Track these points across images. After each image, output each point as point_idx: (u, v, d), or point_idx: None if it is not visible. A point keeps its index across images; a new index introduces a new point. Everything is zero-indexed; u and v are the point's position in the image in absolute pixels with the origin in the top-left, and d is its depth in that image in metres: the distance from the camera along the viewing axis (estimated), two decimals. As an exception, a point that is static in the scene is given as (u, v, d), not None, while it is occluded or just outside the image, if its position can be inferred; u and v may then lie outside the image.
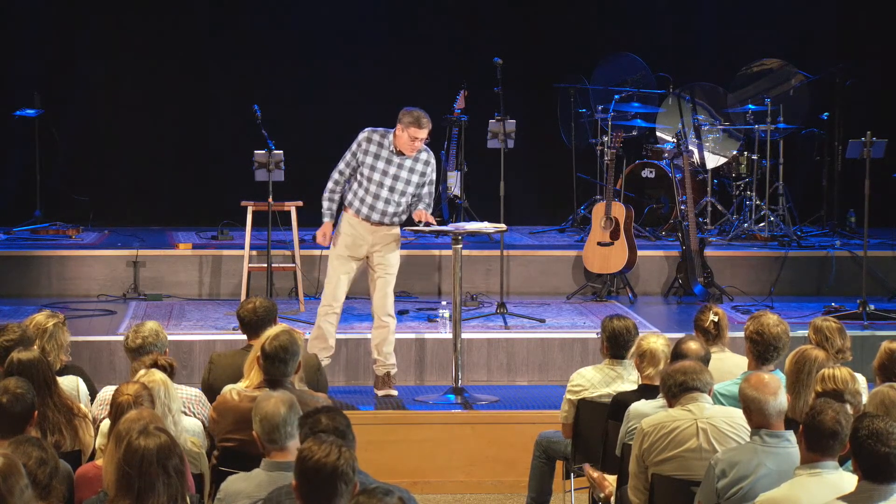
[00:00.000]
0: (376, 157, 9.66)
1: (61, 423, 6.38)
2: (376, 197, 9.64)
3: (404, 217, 9.79)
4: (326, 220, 9.77)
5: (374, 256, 9.71)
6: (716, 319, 7.63)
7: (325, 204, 9.79)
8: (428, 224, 9.65)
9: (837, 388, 6.19)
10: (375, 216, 9.68)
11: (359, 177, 9.68)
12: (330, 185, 9.78)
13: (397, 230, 9.79)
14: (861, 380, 7.31)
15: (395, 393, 9.80)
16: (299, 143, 13.29)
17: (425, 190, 9.74)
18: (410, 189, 9.67)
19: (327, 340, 9.78)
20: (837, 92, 13.87)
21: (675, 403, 6.45)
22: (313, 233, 12.70)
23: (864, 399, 7.08)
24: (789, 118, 13.81)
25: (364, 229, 9.68)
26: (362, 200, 9.67)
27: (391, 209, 9.67)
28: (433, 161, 9.79)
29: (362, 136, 9.73)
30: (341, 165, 9.75)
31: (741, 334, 7.39)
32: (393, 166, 9.64)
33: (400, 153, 9.64)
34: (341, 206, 9.85)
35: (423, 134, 9.62)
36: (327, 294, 9.79)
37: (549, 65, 14.84)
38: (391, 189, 9.64)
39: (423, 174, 9.69)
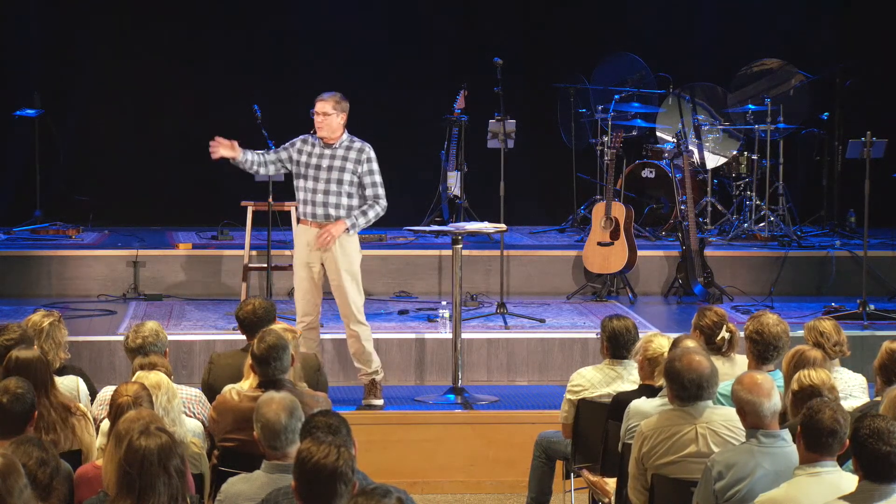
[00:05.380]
0: (309, 154, 9.58)
1: (56, 423, 6.37)
2: (314, 191, 9.53)
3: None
4: (297, 144, 9.67)
5: (327, 263, 9.55)
6: (728, 336, 7.55)
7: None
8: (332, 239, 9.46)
9: (814, 384, 6.18)
10: (319, 211, 9.53)
11: (296, 182, 9.60)
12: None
13: (349, 232, 9.56)
14: (861, 380, 7.33)
15: (380, 403, 9.66)
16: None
17: (366, 182, 9.54)
18: (347, 177, 9.49)
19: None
20: (837, 92, 13.87)
21: (678, 403, 6.41)
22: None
23: (865, 398, 7.11)
24: (789, 118, 13.81)
25: (312, 234, 9.54)
26: (304, 202, 9.56)
27: (332, 200, 9.52)
28: (368, 152, 9.57)
29: (299, 137, 9.71)
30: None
31: (741, 334, 7.38)
32: (325, 158, 9.55)
33: (328, 144, 9.58)
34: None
35: (321, 106, 9.54)
36: (298, 309, 9.69)
37: (549, 65, 14.85)
38: (327, 180, 9.50)
39: (357, 161, 9.52)
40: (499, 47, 13.12)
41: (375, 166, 9.58)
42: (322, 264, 9.56)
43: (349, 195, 9.54)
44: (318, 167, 9.55)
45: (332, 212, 9.53)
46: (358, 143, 9.61)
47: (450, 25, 14.97)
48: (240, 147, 9.69)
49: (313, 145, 9.63)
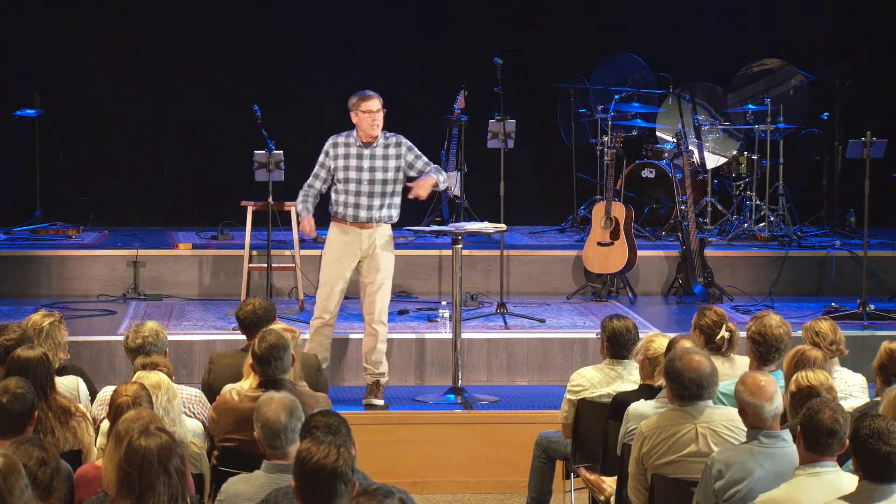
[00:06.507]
0: (346, 156, 9.60)
1: (55, 426, 6.37)
2: (358, 194, 9.56)
3: (395, 214, 9.68)
4: (304, 214, 9.63)
5: (365, 261, 9.58)
6: (727, 336, 7.53)
7: (299, 207, 9.69)
8: (435, 186, 9.62)
9: (812, 385, 6.18)
10: (363, 213, 9.58)
11: (336, 184, 9.60)
12: (301, 194, 9.72)
13: (389, 231, 9.67)
14: (861, 380, 7.33)
15: (380, 403, 9.65)
16: (299, 143, 13.30)
17: (419, 164, 9.64)
18: (390, 175, 9.56)
19: (322, 354, 9.72)
20: (837, 92, 13.87)
21: (678, 402, 6.41)
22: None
23: (865, 398, 7.10)
24: (789, 118, 13.82)
25: (354, 235, 9.57)
26: (346, 204, 9.58)
27: (377, 202, 9.56)
28: (405, 140, 9.67)
29: (328, 143, 9.69)
30: (311, 179, 9.70)
31: (743, 334, 7.38)
32: (365, 160, 9.58)
33: (366, 144, 9.59)
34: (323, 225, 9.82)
35: (375, 104, 9.55)
36: (319, 305, 9.68)
37: (549, 65, 14.85)
38: (371, 181, 9.56)
39: (398, 156, 9.59)
40: (499, 47, 13.13)
41: (416, 150, 9.68)
42: (360, 262, 9.58)
43: (393, 193, 9.60)
44: (359, 169, 9.57)
45: (375, 213, 9.56)
46: (393, 138, 9.66)
47: (450, 25, 14.97)
48: (305, 211, 9.66)
49: (347, 146, 9.62)
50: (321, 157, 9.70)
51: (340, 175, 9.58)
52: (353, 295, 10.46)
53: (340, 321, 10.52)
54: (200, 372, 8.51)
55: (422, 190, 9.62)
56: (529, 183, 14.62)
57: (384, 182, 9.56)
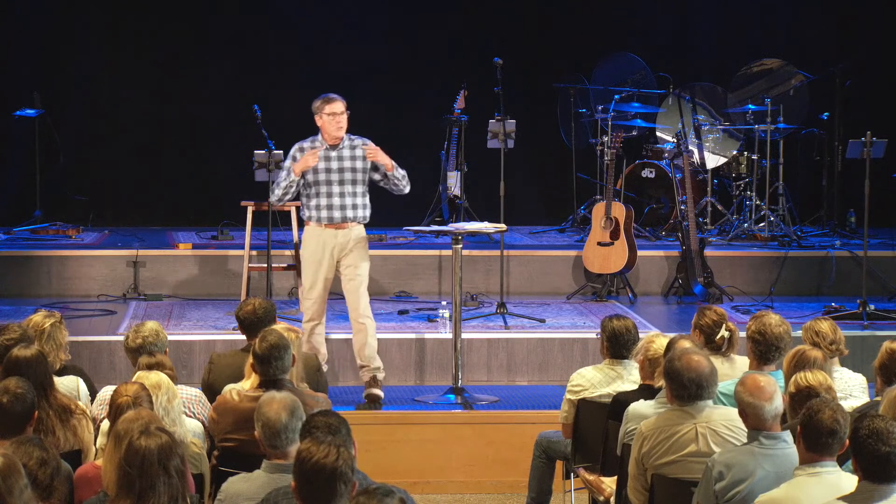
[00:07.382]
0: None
1: (55, 425, 6.37)
2: (329, 195, 9.61)
3: (367, 214, 9.72)
4: (298, 159, 9.63)
5: (342, 261, 9.65)
6: (727, 335, 7.53)
7: (283, 174, 9.67)
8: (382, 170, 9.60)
9: (811, 385, 6.18)
10: (336, 214, 9.62)
11: (306, 189, 9.66)
12: (274, 185, 9.77)
13: (363, 231, 9.72)
14: (861, 379, 7.34)
15: (380, 394, 9.68)
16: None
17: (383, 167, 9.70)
18: (359, 176, 9.64)
19: (320, 351, 9.75)
20: (837, 92, 13.87)
21: (677, 402, 6.41)
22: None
23: (865, 398, 7.11)
24: (789, 118, 13.82)
25: (328, 236, 9.63)
26: (318, 206, 9.63)
27: (348, 202, 9.62)
28: (370, 142, 9.72)
29: (294, 149, 9.74)
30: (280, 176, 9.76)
31: (743, 334, 7.38)
32: (333, 161, 9.64)
33: (332, 146, 9.64)
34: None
35: (339, 107, 9.63)
36: (307, 308, 9.76)
37: (549, 65, 14.85)
38: (340, 182, 9.62)
39: (364, 157, 9.66)
40: (499, 47, 13.12)
41: (381, 151, 9.70)
42: (338, 262, 9.61)
43: (364, 194, 9.68)
44: (328, 170, 9.63)
45: (349, 213, 9.63)
46: (358, 140, 9.72)
47: (450, 25, 14.97)
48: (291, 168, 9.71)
49: (313, 149, 9.66)
50: (287, 162, 9.76)
51: (310, 178, 9.63)
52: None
53: (339, 321, 10.53)
54: (200, 372, 8.51)
55: (380, 155, 9.61)
56: (529, 183, 14.62)
57: (354, 182, 9.63)
